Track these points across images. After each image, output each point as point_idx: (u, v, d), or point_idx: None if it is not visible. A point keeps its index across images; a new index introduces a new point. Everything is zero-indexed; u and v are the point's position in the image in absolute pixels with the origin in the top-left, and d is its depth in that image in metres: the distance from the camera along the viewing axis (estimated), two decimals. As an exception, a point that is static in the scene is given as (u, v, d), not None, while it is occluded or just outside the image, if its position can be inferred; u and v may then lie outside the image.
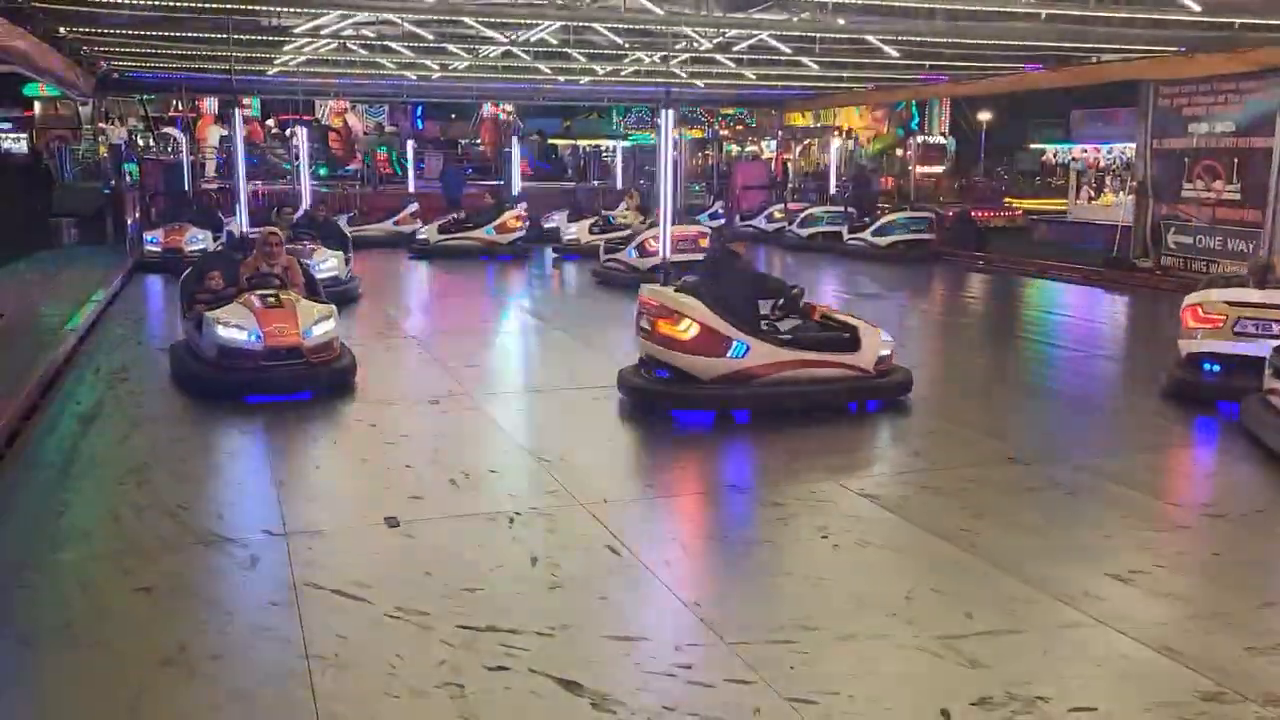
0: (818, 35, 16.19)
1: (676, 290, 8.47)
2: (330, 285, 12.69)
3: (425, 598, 4.96)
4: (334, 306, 9.50)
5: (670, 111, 10.08)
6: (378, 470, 7.08)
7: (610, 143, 34.20)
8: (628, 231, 17.63)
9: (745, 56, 18.74)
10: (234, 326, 8.67)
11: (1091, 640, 4.55)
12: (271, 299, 8.98)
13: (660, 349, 8.30)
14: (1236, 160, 16.18)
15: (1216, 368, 8.60)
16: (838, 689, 4.14)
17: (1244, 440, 7.66)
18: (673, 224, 15.64)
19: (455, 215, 20.85)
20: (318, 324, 8.96)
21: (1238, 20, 13.28)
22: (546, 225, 21.95)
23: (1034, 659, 4.40)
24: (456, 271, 18.28)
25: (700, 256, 12.96)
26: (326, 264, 14.17)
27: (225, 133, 30.27)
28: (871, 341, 8.67)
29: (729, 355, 8.14)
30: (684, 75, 22.09)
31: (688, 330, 8.13)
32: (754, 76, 21.83)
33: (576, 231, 20.08)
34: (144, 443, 7.61)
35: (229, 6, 13.20)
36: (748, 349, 8.19)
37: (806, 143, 34.89)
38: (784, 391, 8.29)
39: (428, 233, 20.18)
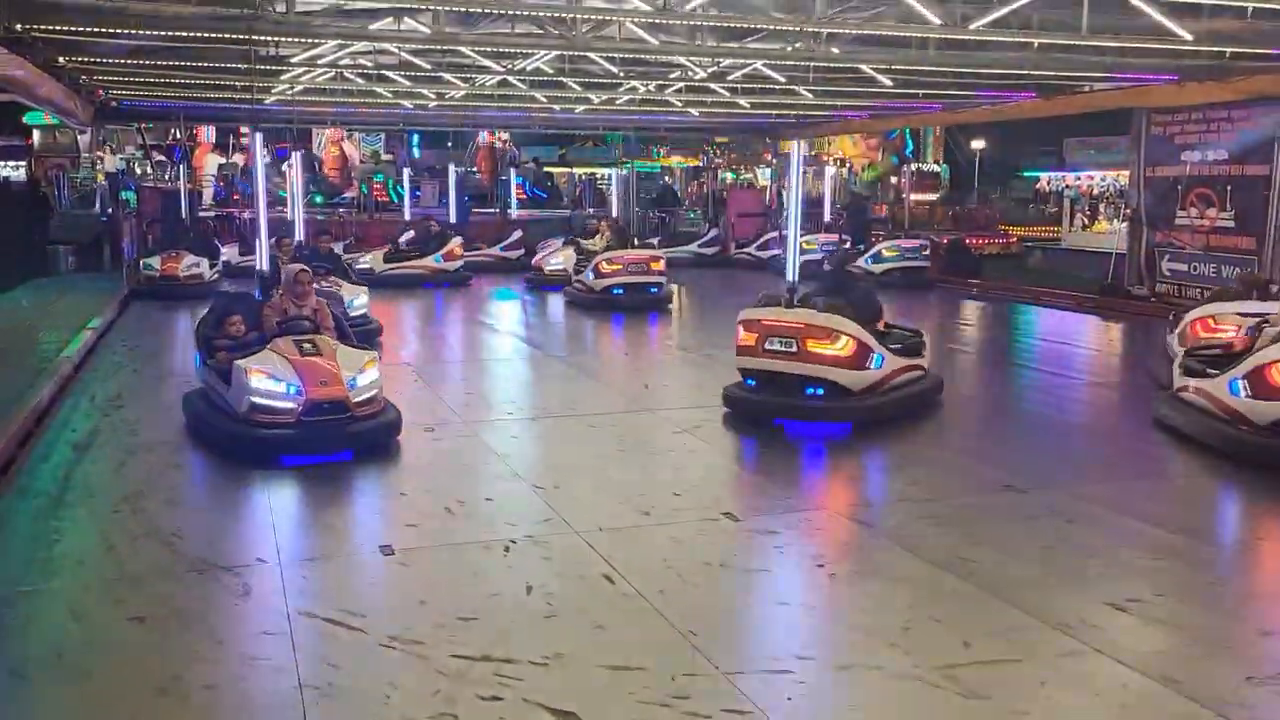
0: (811, 64, 16.27)
1: (801, 307, 9.10)
2: (356, 324, 12.14)
3: (420, 626, 4.93)
4: (375, 352, 8.66)
5: (800, 143, 10.41)
6: (371, 498, 7.07)
7: (606, 170, 34.31)
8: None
9: (740, 85, 18.84)
10: (269, 378, 7.69)
11: (1091, 670, 4.53)
12: (308, 346, 8.01)
13: (814, 366, 8.70)
14: (1230, 188, 16.26)
15: None
16: None
17: (1247, 469, 7.65)
18: (628, 248, 16.99)
19: (395, 244, 20.59)
20: (362, 373, 7.99)
21: (1229, 49, 13.36)
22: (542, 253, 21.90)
23: (1033, 689, 4.37)
24: (420, 299, 18.37)
25: (650, 279, 16.38)
26: (358, 301, 13.47)
27: (224, 160, 30.35)
28: (930, 342, 9.93)
29: (871, 367, 8.81)
30: (679, 104, 22.18)
31: (845, 347, 8.70)
32: (748, 105, 21.93)
33: (564, 262, 19.27)
34: (138, 471, 7.58)
35: (229, 36, 13.23)
36: (883, 359, 8.93)
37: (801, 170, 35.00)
38: (899, 396, 9.17)
39: (372, 261, 19.49)
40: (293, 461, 7.59)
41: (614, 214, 23.69)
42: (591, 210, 28.33)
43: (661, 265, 16.79)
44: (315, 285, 12.60)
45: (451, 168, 25.50)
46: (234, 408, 7.87)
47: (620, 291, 16.37)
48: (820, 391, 8.72)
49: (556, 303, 17.78)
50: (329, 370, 7.85)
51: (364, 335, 12.27)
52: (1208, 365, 8.65)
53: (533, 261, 20.58)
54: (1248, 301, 9.90)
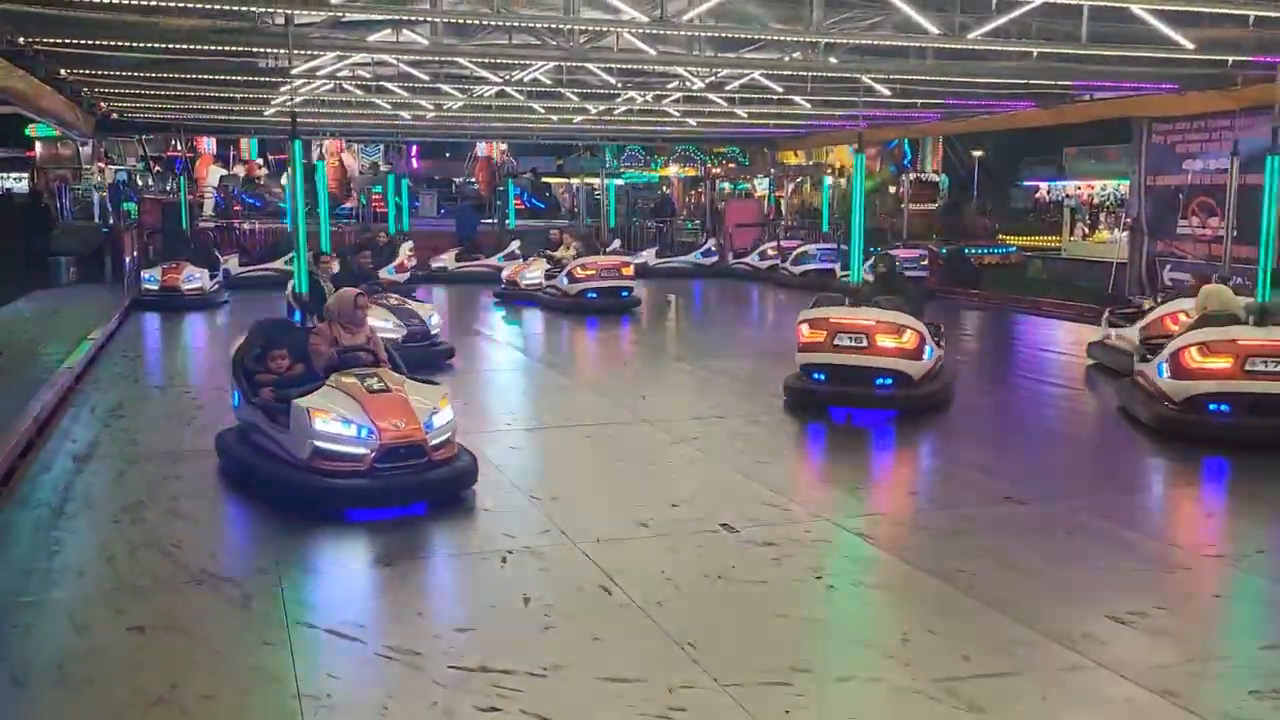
0: (809, 74, 16.30)
1: (870, 306, 10.07)
2: (415, 344, 11.87)
3: (417, 637, 4.93)
4: (444, 387, 7.59)
5: (861, 154, 11.48)
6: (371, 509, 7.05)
7: (602, 180, 34.39)
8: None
9: (737, 95, 18.85)
10: (336, 419, 6.73)
11: (1092, 684, 4.51)
12: (374, 381, 7.09)
13: (884, 359, 9.71)
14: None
15: (1225, 408, 8.77)
16: (834, 731, 4.10)
17: (1243, 480, 7.64)
18: (598, 254, 17.65)
19: (345, 258, 19.94)
20: (437, 412, 7.07)
21: (1230, 58, 13.37)
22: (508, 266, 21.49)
23: (1033, 703, 4.36)
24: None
25: (621, 284, 17.39)
26: (433, 321, 12.86)
27: (225, 172, 30.41)
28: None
29: (926, 357, 9.83)
30: (676, 114, 22.22)
31: (910, 340, 9.72)
32: (746, 115, 21.96)
33: (539, 275, 18.98)
34: (138, 481, 7.58)
35: (229, 49, 13.27)
36: (932, 350, 9.98)
37: (799, 180, 35.06)
38: (942, 383, 10.24)
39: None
40: (361, 516, 6.76)
41: (611, 223, 23.78)
42: (590, 221, 28.36)
43: (631, 270, 17.86)
44: (387, 305, 12.21)
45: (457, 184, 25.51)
46: (292, 453, 6.91)
47: (594, 295, 17.13)
48: (889, 381, 9.73)
49: (533, 313, 17.78)
50: (404, 409, 6.92)
51: (438, 356, 12.32)
52: (1151, 352, 9.68)
53: (504, 275, 20.08)
54: (1242, 328, 10.02)
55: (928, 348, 9.86)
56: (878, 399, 9.81)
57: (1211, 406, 8.70)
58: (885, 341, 9.73)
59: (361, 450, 6.72)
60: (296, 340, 8.02)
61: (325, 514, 6.69)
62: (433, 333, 12.69)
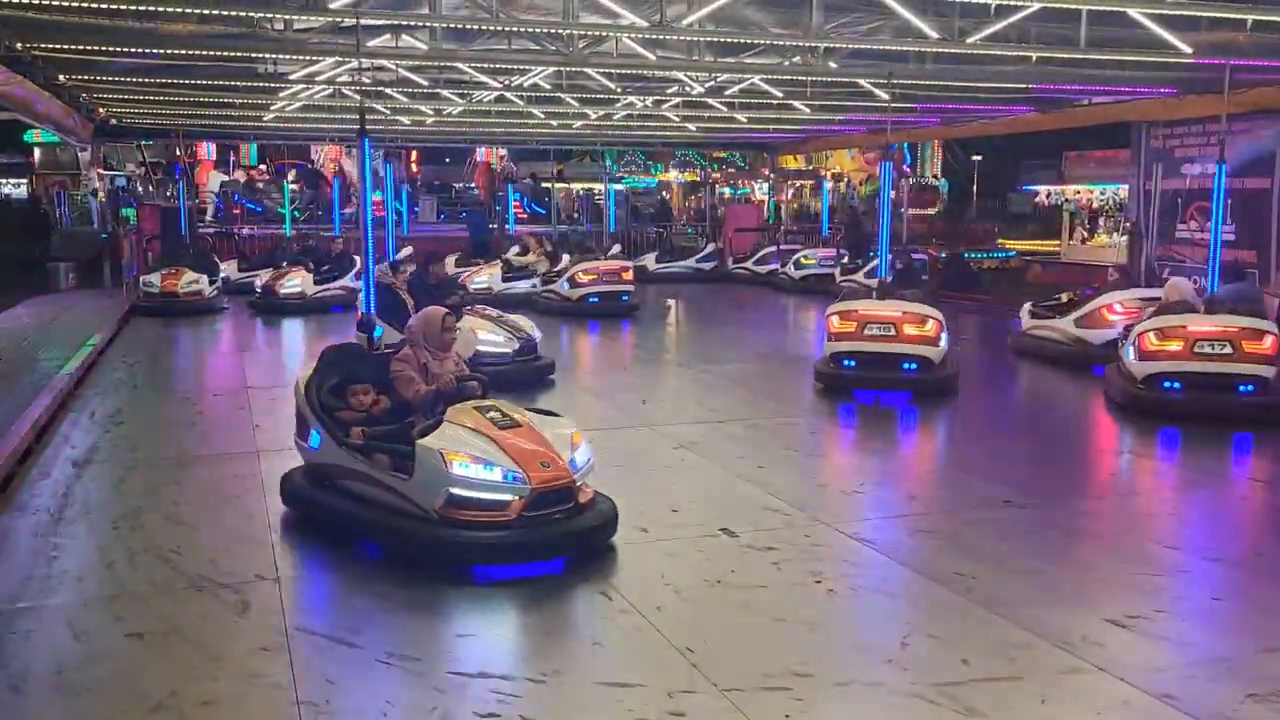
0: (809, 79, 16.33)
1: (893, 298, 11.29)
2: (524, 359, 11.29)
3: (416, 643, 4.93)
4: (571, 420, 6.71)
5: (890, 165, 12.38)
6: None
7: (601, 186, 34.44)
8: (576, 269, 18.04)
9: (737, 100, 18.89)
10: (478, 462, 5.82)
11: (1091, 687, 4.51)
12: (496, 414, 6.21)
13: (910, 346, 10.85)
14: (1230, 201, 16.27)
15: (1177, 385, 10.04)
16: (834, 736, 4.10)
17: (1244, 482, 7.64)
18: (599, 260, 17.90)
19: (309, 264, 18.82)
20: (577, 449, 6.24)
21: (1229, 62, 13.38)
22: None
23: (1033, 707, 4.35)
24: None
25: (622, 288, 17.70)
26: (536, 333, 11.85)
27: (226, 177, 30.42)
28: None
29: (943, 344, 10.96)
30: (676, 119, 22.25)
31: (932, 328, 10.90)
32: (745, 120, 21.99)
33: (487, 280, 18.64)
34: (138, 487, 7.58)
35: (228, 54, 13.28)
36: (946, 337, 11.06)
37: (799, 185, 35.10)
38: (954, 367, 11.27)
39: (303, 284, 18.12)
40: (501, 574, 5.85)
41: (611, 228, 23.80)
42: (589, 226, 28.39)
43: (630, 275, 18.07)
44: (489, 317, 11.65)
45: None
46: (417, 502, 5.93)
47: (595, 300, 17.26)
48: (915, 366, 10.89)
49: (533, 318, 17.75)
50: (546, 447, 6.07)
51: (540, 373, 11.47)
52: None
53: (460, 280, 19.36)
54: (1137, 288, 12.86)
55: (944, 335, 10.96)
56: (904, 381, 10.88)
57: (1166, 384, 9.95)
58: (911, 330, 10.85)
59: (507, 497, 5.82)
60: (375, 368, 6.98)
61: (456, 572, 5.84)
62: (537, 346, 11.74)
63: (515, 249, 22.94)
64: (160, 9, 10.62)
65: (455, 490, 5.77)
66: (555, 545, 5.93)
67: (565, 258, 19.07)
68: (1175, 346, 9.96)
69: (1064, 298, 13.73)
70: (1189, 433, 9.47)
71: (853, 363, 11.01)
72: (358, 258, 19.56)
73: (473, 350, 9.55)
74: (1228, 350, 9.86)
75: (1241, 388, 9.83)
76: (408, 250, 18.29)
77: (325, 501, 6.57)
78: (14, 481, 7.56)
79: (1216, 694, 4.45)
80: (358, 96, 16.71)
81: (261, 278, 18.49)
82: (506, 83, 16.77)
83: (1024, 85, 15.48)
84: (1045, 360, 13.01)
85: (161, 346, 14.89)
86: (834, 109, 19.90)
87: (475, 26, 12.04)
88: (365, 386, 6.76)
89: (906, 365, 10.92)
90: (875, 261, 20.70)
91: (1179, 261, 17.27)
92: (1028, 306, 14.07)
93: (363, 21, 11.99)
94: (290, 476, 6.98)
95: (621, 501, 6.39)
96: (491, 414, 6.18)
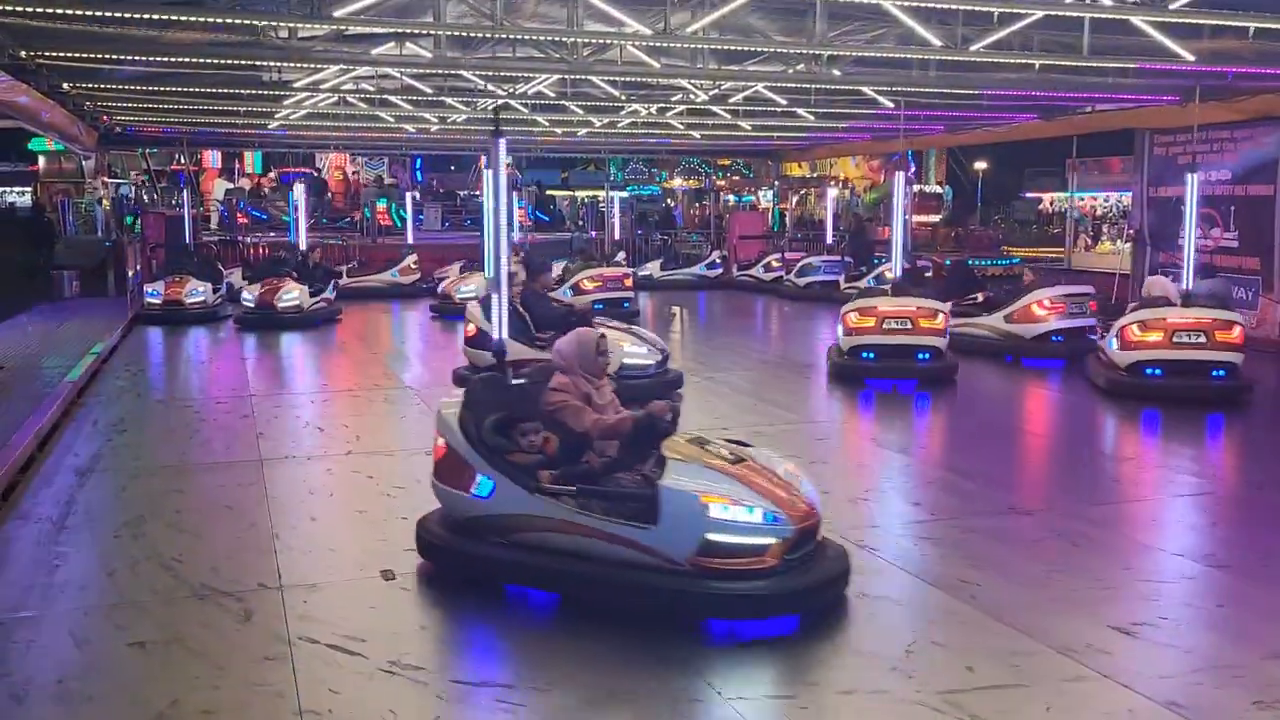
0: (813, 86, 16.34)
1: (893, 296, 12.44)
2: (661, 372, 10.86)
3: (420, 652, 4.92)
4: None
5: (902, 174, 13.41)
6: (374, 522, 7.04)
7: (606, 193, 34.53)
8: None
9: (741, 108, 18.90)
10: (736, 505, 5.13)
11: (1096, 695, 4.49)
12: (720, 449, 5.59)
13: (924, 338, 12.09)
14: (1234, 208, 16.25)
15: (1159, 371, 11.21)
16: (838, 745, 4.08)
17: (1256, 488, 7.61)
18: (604, 266, 18.49)
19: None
20: (804, 481, 5.67)
21: (1232, 69, 13.38)
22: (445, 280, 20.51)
23: (1037, 715, 4.34)
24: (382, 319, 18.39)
25: (623, 295, 18.21)
26: (664, 344, 11.61)
27: (231, 185, 30.49)
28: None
29: (947, 334, 12.28)
30: (681, 127, 22.26)
31: (942, 321, 12.20)
32: (750, 128, 22.00)
33: (476, 289, 17.24)
34: (140, 495, 7.58)
35: (232, 62, 13.31)
36: (949, 329, 12.40)
37: (803, 192, 35.12)
38: (953, 359, 12.48)
39: (300, 297, 17.40)
40: (757, 631, 5.16)
41: (616, 235, 23.83)
42: (594, 233, 28.40)
43: (631, 282, 18.74)
44: (621, 329, 11.19)
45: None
46: (661, 551, 5.17)
47: (600, 306, 17.15)
48: (928, 356, 12.08)
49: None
50: (784, 482, 5.48)
51: (668, 387, 10.69)
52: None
53: (439, 289, 19.54)
54: (1060, 286, 14.72)
55: (949, 327, 12.28)
56: (918, 371, 12.00)
57: (1148, 370, 11.16)
58: (924, 323, 12.06)
59: (769, 540, 5.14)
60: (534, 402, 6.05)
61: (714, 631, 5.18)
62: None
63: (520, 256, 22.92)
64: (165, 16, 10.63)
65: (714, 535, 5.10)
66: (811, 592, 5.31)
67: (557, 266, 19.03)
68: (1156, 337, 11.16)
69: (979, 298, 14.89)
70: (1189, 432, 9.88)
71: (872, 355, 12.07)
72: (343, 268, 19.82)
73: (618, 365, 9.25)
74: (1202, 339, 11.07)
75: (1215, 373, 11.05)
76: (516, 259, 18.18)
77: (506, 557, 5.61)
78: (17, 490, 7.56)
79: (1222, 701, 4.43)
80: (363, 105, 16.69)
81: (251, 291, 17.44)
82: (511, 90, 16.81)
83: (1027, 93, 15.46)
84: (975, 354, 13.76)
85: (165, 354, 14.91)
86: (838, 116, 19.91)
87: (479, 34, 12.04)
88: (535, 425, 5.89)
89: (920, 355, 12.05)
90: (878, 270, 20.90)
91: (1181, 268, 17.19)
92: (949, 306, 14.05)
93: (367, 30, 12.04)
94: (428, 530, 6.04)
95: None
96: (709, 447, 5.57)
